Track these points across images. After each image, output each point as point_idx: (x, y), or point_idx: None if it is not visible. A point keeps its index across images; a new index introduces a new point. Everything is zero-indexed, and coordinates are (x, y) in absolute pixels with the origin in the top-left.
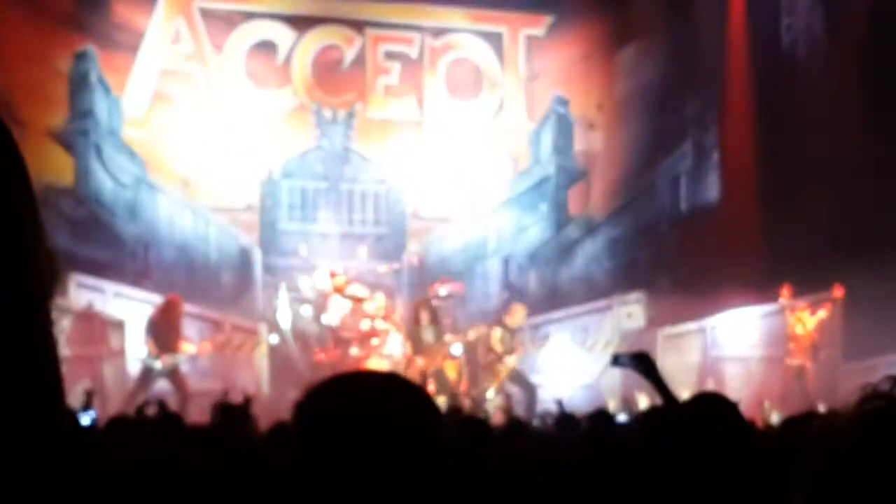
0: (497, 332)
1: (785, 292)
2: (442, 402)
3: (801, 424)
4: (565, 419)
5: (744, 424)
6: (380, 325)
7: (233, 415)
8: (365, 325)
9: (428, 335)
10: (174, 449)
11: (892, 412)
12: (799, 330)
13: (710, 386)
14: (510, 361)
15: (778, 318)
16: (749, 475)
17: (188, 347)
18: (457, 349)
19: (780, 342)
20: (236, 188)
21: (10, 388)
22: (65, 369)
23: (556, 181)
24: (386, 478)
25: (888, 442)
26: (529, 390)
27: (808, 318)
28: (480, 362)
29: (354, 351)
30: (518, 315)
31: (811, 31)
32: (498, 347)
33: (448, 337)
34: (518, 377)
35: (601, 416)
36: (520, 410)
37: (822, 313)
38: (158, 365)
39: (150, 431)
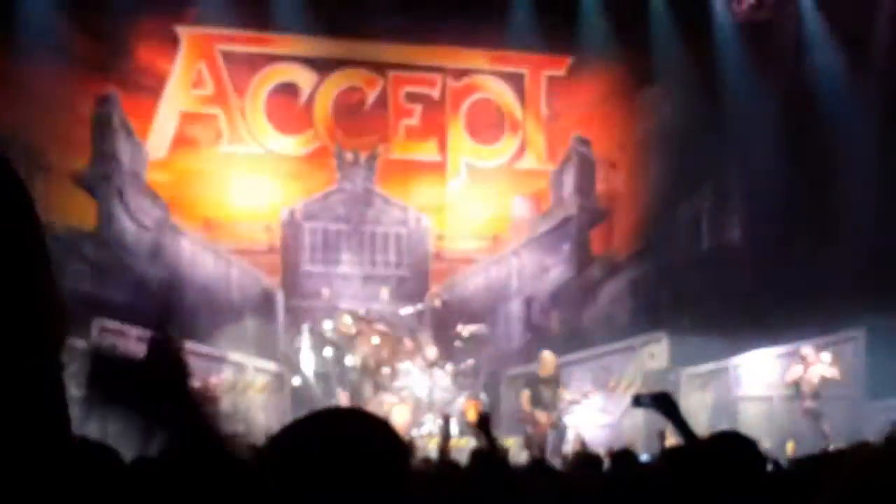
0: (526, 393)
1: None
2: (465, 443)
3: (817, 462)
4: (588, 459)
5: (763, 462)
6: (402, 366)
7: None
8: (387, 366)
9: None
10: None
11: None
12: (803, 379)
13: (733, 426)
14: (543, 419)
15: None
16: None
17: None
18: (480, 390)
19: (792, 384)
20: (258, 230)
21: (18, 439)
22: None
23: (578, 221)
24: None
25: None
26: (560, 433)
27: (815, 366)
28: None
29: (377, 393)
30: (547, 364)
31: (833, 69)
32: (528, 408)
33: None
34: (556, 423)
35: (625, 456)
36: (547, 450)
37: (833, 370)
38: None
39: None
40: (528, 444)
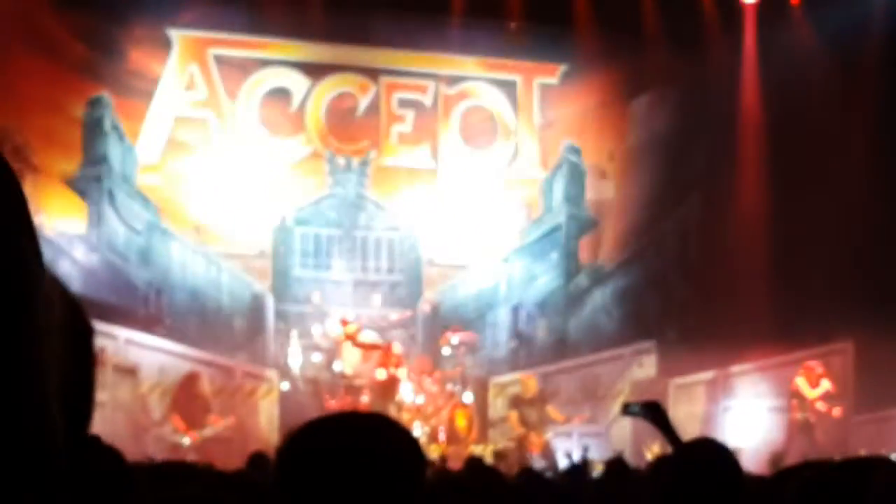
0: (514, 415)
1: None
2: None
3: (794, 474)
4: (578, 468)
5: (738, 470)
6: (391, 372)
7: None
8: (377, 373)
9: None
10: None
11: None
12: (807, 392)
13: (721, 436)
14: (536, 439)
15: (788, 370)
16: None
17: (215, 425)
18: (468, 397)
19: (789, 394)
20: (249, 235)
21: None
22: None
23: (567, 230)
24: None
25: None
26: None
27: (814, 384)
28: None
29: (366, 399)
30: (528, 386)
31: (824, 81)
32: (518, 429)
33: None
34: (545, 450)
35: (616, 464)
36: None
37: (826, 384)
38: (187, 441)
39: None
40: (502, 456)
